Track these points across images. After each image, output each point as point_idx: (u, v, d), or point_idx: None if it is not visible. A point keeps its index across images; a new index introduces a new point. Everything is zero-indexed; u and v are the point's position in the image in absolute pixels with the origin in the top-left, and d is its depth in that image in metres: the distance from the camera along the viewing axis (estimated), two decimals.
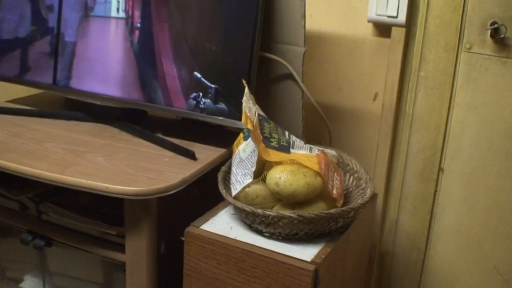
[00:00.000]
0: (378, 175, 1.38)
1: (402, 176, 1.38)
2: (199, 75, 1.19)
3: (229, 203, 1.07)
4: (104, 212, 1.18)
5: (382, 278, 1.48)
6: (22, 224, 1.25)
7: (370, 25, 1.34)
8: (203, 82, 1.19)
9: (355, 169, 1.20)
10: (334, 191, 1.05)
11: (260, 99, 1.16)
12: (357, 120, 1.40)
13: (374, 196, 1.24)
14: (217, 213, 1.10)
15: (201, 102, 1.20)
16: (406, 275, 1.44)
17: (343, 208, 1.03)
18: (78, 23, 1.30)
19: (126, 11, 1.25)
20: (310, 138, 1.29)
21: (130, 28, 1.25)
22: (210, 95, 1.19)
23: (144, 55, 1.24)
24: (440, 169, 1.35)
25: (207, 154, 1.19)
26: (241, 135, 1.10)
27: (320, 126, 1.36)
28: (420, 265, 1.42)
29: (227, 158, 1.17)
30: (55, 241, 1.21)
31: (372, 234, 1.38)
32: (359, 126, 1.40)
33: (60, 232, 1.20)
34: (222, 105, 1.18)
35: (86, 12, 1.29)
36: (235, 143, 1.12)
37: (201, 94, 1.19)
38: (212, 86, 1.18)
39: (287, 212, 1.00)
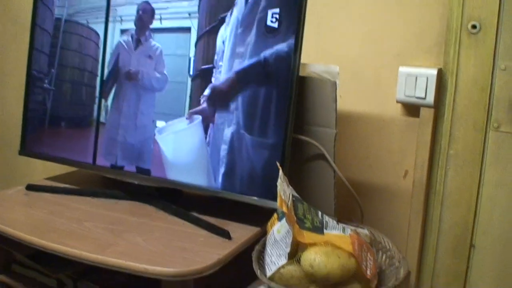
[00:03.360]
0: (410, 252, 1.38)
1: (434, 253, 1.38)
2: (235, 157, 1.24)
3: (264, 283, 1.08)
4: None
5: None
6: None
7: (399, 105, 1.37)
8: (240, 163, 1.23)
9: (388, 247, 1.21)
10: (368, 272, 1.06)
11: (293, 179, 1.18)
12: (388, 197, 1.42)
13: (407, 275, 1.24)
14: None
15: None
16: None
17: None
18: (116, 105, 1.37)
19: None
20: (342, 215, 1.31)
21: None
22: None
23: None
24: (472, 246, 1.35)
25: (241, 233, 1.21)
26: (275, 215, 1.13)
27: (352, 204, 1.37)
28: None
29: (261, 237, 1.19)
30: None
31: None
32: (390, 203, 1.42)
33: None
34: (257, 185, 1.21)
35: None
36: (269, 223, 1.14)
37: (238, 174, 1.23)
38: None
39: None
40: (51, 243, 1.14)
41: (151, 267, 1.05)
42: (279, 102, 1.18)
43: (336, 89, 1.22)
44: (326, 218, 1.15)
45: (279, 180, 1.10)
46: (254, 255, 1.13)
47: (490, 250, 1.34)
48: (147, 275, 1.05)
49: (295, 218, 1.08)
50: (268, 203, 1.19)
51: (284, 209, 1.06)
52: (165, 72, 1.31)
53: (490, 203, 1.32)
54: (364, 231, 1.20)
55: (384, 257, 1.21)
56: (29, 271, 1.32)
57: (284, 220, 1.08)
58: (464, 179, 1.33)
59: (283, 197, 1.08)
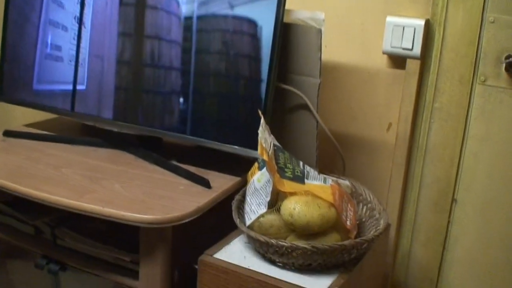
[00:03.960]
0: (391, 205, 1.38)
1: (415, 207, 1.38)
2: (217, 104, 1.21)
3: (243, 232, 1.07)
4: (119, 238, 1.18)
5: None
6: (37, 248, 1.26)
7: (385, 56, 1.35)
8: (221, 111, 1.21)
9: (369, 199, 1.20)
10: (348, 222, 1.06)
11: (275, 129, 1.17)
12: (371, 150, 1.41)
13: (387, 227, 1.24)
14: (230, 242, 1.10)
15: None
16: None
17: (357, 240, 1.03)
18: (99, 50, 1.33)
19: None
20: (324, 167, 1.30)
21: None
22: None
23: (164, 85, 1.27)
24: (454, 200, 1.35)
25: (221, 182, 1.20)
26: (256, 164, 1.11)
27: (334, 156, 1.36)
28: None
29: (241, 186, 1.18)
30: (69, 266, 1.22)
31: (384, 264, 1.38)
32: (373, 156, 1.41)
33: (75, 257, 1.21)
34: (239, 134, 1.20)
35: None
36: (250, 173, 1.12)
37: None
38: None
39: (301, 243, 1.00)
40: (28, 188, 1.12)
41: (129, 213, 1.04)
42: (262, 49, 1.15)
43: (321, 37, 1.20)
44: (308, 168, 1.13)
45: (260, 128, 1.08)
46: (234, 204, 1.12)
47: (472, 205, 1.34)
48: (125, 222, 1.04)
49: (275, 167, 1.07)
50: (249, 152, 1.18)
51: (265, 157, 1.05)
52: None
53: (474, 158, 1.31)
54: (345, 183, 1.20)
55: (364, 209, 1.21)
56: (6, 218, 1.30)
57: (264, 169, 1.07)
58: (448, 133, 1.32)
59: (264, 145, 1.06)
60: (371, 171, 1.42)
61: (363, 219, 1.19)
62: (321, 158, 1.29)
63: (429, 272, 1.41)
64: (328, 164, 1.37)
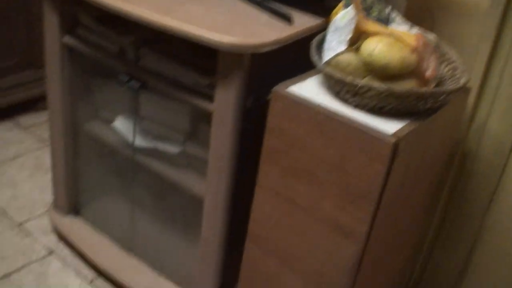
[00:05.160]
0: (475, 74, 1.33)
1: (499, 78, 1.33)
2: None
3: (319, 72, 1.07)
4: (199, 64, 1.20)
5: (460, 177, 1.46)
6: (121, 66, 1.30)
7: None
8: None
9: (453, 58, 1.16)
10: (428, 72, 1.03)
11: None
12: (463, 13, 1.34)
13: (466, 90, 1.21)
14: (306, 79, 1.11)
15: None
16: (484, 179, 1.42)
17: (435, 89, 1.01)
18: None
19: None
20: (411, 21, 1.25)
21: None
22: None
23: None
24: None
25: (304, 20, 1.19)
26: (341, 3, 1.09)
27: (424, 12, 1.31)
28: (501, 170, 1.39)
29: (323, 28, 1.16)
30: (149, 85, 1.27)
31: (458, 131, 1.36)
32: (464, 20, 1.34)
33: (155, 77, 1.25)
34: None
35: None
36: (334, 11, 1.10)
37: None
38: None
39: (376, 84, 0.99)
40: (113, 1, 1.15)
41: (210, 33, 1.05)
42: None
43: None
44: (395, 13, 1.10)
45: None
46: (313, 43, 1.11)
47: None
48: (204, 43, 1.06)
49: (361, 5, 1.04)
50: None
51: None
52: None
53: None
54: (431, 37, 1.16)
55: (447, 68, 1.17)
56: (93, 35, 1.35)
57: (349, 8, 1.04)
58: None
59: None
60: (460, 36, 1.36)
61: (444, 78, 1.16)
62: (409, 12, 1.24)
63: (502, 146, 1.37)
64: (416, 20, 1.32)
